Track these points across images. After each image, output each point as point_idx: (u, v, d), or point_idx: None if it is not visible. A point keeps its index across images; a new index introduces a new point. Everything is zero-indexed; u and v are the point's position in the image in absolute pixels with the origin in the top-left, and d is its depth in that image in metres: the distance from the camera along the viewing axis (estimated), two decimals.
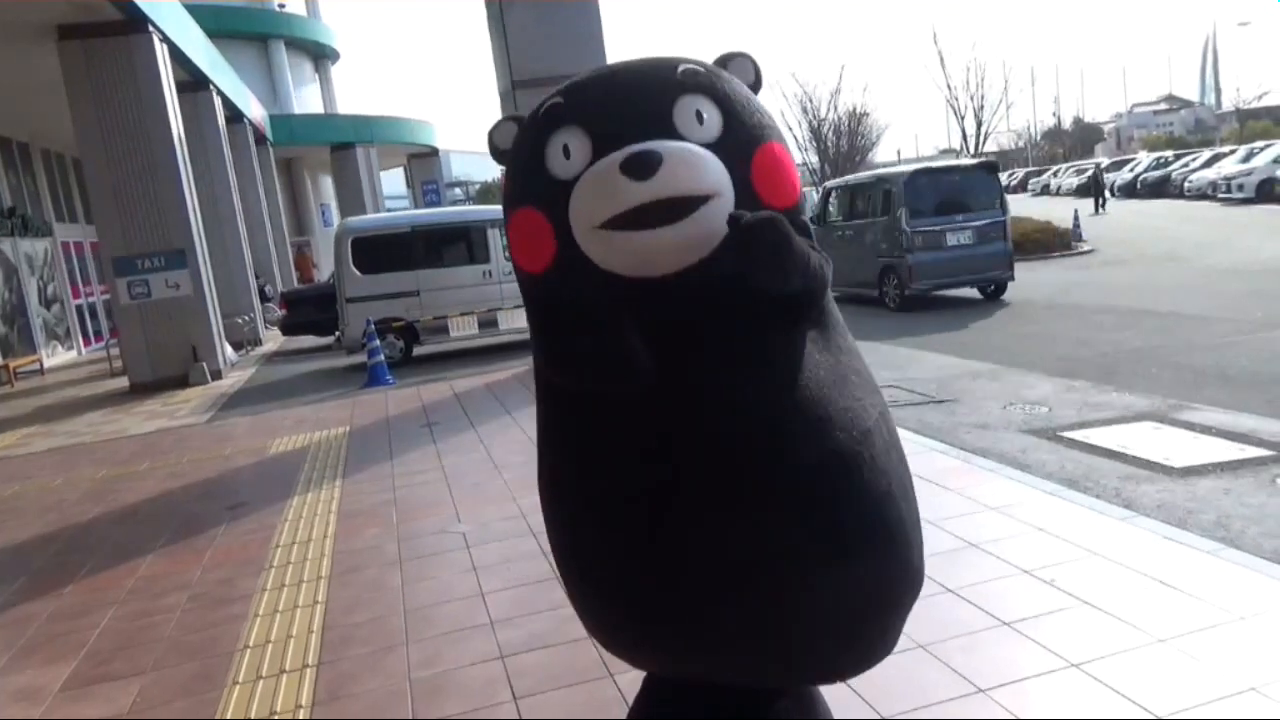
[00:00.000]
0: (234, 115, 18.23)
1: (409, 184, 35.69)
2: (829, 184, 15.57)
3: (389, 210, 27.60)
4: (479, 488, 5.31)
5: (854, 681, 2.61)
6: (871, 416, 1.80)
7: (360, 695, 2.98)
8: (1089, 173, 35.44)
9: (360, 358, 10.93)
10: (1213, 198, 25.65)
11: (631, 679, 2.25)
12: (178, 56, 12.70)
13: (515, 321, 11.69)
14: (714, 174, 1.64)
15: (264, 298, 18.03)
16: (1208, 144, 46.15)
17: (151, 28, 11.21)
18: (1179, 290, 11.02)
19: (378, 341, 10.39)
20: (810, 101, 31.42)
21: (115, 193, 11.25)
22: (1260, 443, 4.85)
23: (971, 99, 25.24)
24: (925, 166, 13.70)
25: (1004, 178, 54.69)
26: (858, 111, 32.05)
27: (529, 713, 2.73)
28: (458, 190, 56.24)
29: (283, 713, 2.91)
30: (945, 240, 11.91)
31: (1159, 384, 6.49)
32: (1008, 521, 3.85)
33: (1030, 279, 14.25)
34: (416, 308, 11.70)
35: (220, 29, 22.26)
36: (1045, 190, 43.00)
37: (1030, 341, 8.83)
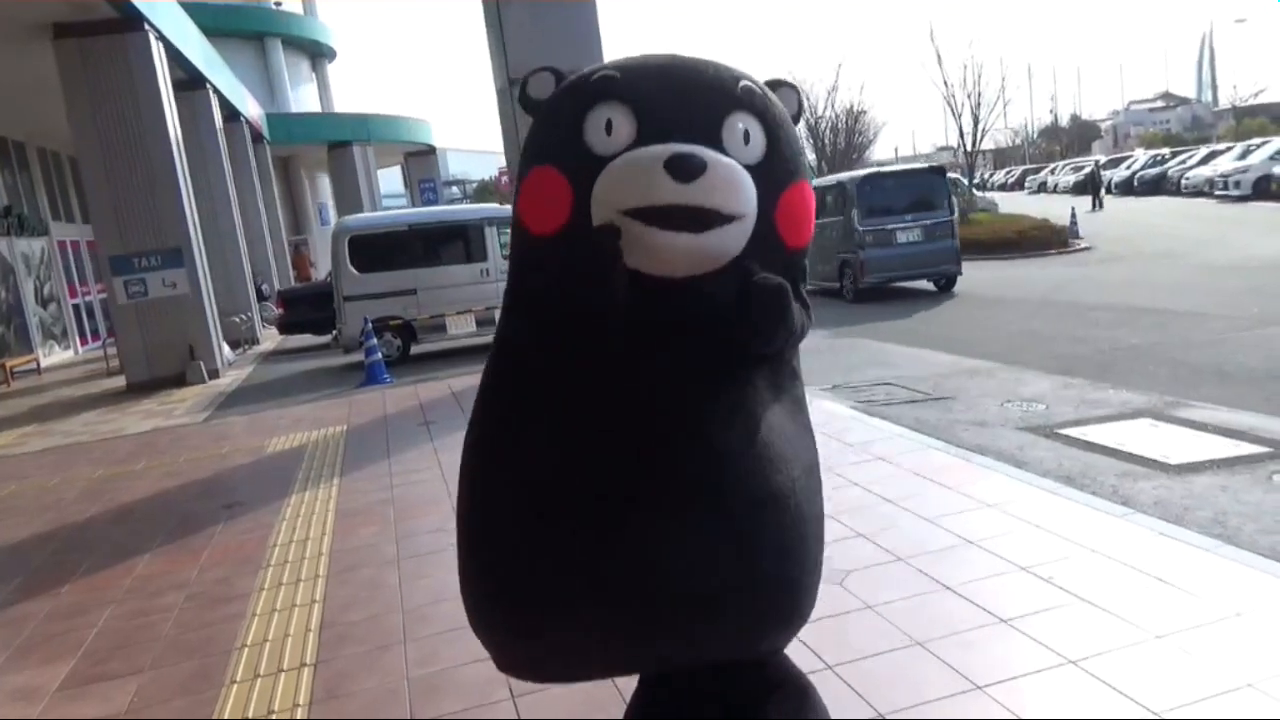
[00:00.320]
0: (231, 114, 18.20)
1: (406, 182, 35.65)
2: None
3: (386, 209, 27.58)
4: None
5: (851, 678, 2.62)
6: (804, 463, 1.87)
7: (358, 694, 2.98)
8: (1086, 170, 35.49)
9: (357, 356, 10.93)
10: (1209, 195, 25.69)
11: (629, 677, 2.25)
12: (174, 55, 12.67)
13: None
14: (747, 197, 1.64)
15: (261, 296, 18.01)
16: (1204, 141, 46.18)
17: (148, 26, 11.18)
18: (1176, 287, 11.03)
19: (375, 340, 10.38)
20: (808, 99, 31.38)
21: (112, 192, 11.22)
22: (1257, 439, 4.85)
23: (969, 97, 25.22)
24: (877, 170, 15.03)
25: (1001, 175, 54.73)
26: (855, 109, 32.08)
27: (526, 711, 2.73)
28: (455, 189, 56.14)
29: (280, 711, 2.91)
30: (895, 238, 13.04)
31: (1156, 381, 6.50)
32: (1005, 518, 3.85)
33: (1027, 276, 14.28)
34: (414, 306, 11.69)
35: (217, 27, 22.22)
36: (1042, 188, 43.02)
37: (1027, 338, 8.84)
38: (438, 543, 4.37)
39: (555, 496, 1.71)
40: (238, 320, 15.35)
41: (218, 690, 3.10)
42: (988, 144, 37.41)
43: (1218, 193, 25.17)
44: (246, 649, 3.42)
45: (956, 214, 13.82)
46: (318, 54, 35.54)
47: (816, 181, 15.59)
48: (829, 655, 2.75)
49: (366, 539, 4.58)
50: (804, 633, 2.02)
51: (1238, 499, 4.05)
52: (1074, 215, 19.60)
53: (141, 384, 11.39)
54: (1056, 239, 18.04)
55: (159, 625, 3.76)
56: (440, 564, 4.09)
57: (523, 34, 8.07)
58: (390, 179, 39.74)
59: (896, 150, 75.59)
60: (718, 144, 1.66)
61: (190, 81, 14.67)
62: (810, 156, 31.58)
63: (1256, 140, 30.19)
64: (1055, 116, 74.40)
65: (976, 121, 25.41)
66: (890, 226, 13.03)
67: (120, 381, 11.88)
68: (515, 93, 7.72)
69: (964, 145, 26.36)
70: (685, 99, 1.69)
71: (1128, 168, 35.06)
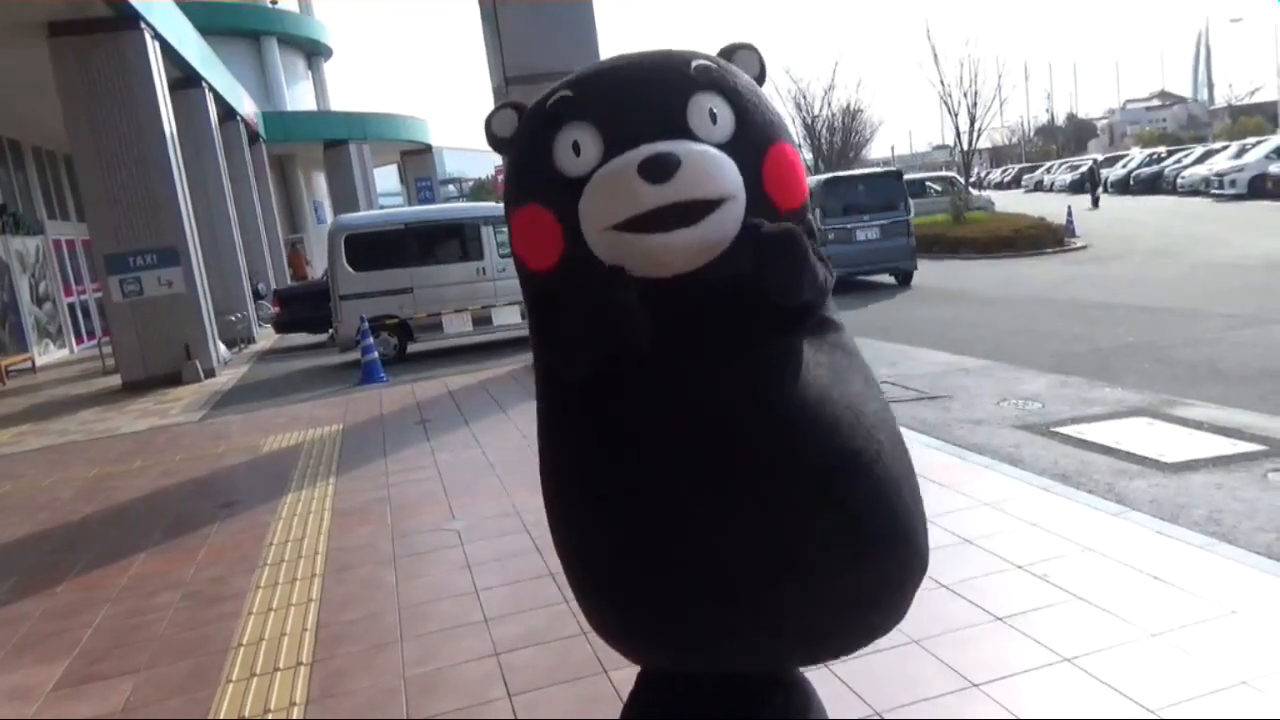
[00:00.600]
0: (227, 112, 18.17)
1: (402, 181, 35.64)
2: None
3: (382, 207, 27.54)
4: (473, 485, 5.31)
5: (847, 676, 2.62)
6: (874, 411, 1.80)
7: (354, 693, 2.98)
8: (1082, 169, 35.55)
9: (354, 355, 10.91)
10: (1205, 194, 25.74)
11: (626, 675, 2.25)
12: (170, 53, 12.65)
13: (509, 318, 11.68)
14: (730, 177, 1.62)
15: (257, 295, 17.98)
16: (1200, 140, 46.31)
17: (143, 24, 11.16)
18: (1172, 286, 11.05)
19: (371, 339, 10.37)
20: (804, 98, 31.41)
21: (107, 190, 11.20)
22: (1252, 438, 4.86)
23: (965, 95, 25.23)
24: (837, 175, 16.53)
25: (997, 174, 54.84)
26: (852, 108, 32.05)
27: (523, 709, 2.72)
28: (451, 187, 56.12)
29: (276, 710, 2.91)
30: (855, 235, 14.10)
31: (1152, 379, 6.51)
32: (1001, 517, 3.86)
33: (1023, 275, 14.30)
34: (410, 305, 11.68)
35: (212, 26, 22.17)
36: (1039, 186, 43.09)
37: (1023, 337, 8.85)
38: (434, 541, 4.37)
39: (640, 506, 1.69)
40: (234, 319, 15.33)
41: (213, 689, 3.10)
42: (984, 142, 37.43)
43: (1214, 191, 25.22)
44: (242, 648, 3.41)
45: (912, 214, 14.93)
46: (314, 52, 35.49)
47: None
48: None
49: (363, 538, 4.58)
50: None
51: (1233, 497, 4.06)
52: (1070, 214, 19.62)
53: (137, 383, 11.37)
54: (1053, 238, 18.06)
55: (155, 624, 3.75)
56: (437, 562, 4.09)
57: (519, 32, 8.07)
58: (386, 177, 39.72)
59: (893, 149, 75.69)
60: (686, 131, 1.64)
61: (186, 80, 14.65)
62: (807, 155, 31.62)
63: (1252, 139, 30.29)
64: (1051, 115, 74.55)
65: (973, 120, 25.48)
66: (850, 225, 14.07)
67: (116, 380, 11.86)
68: (511, 92, 7.69)
69: (960, 144, 26.37)
70: (643, 99, 1.67)
71: (1124, 166, 35.13)
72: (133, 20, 10.99)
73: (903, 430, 5.55)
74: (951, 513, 3.95)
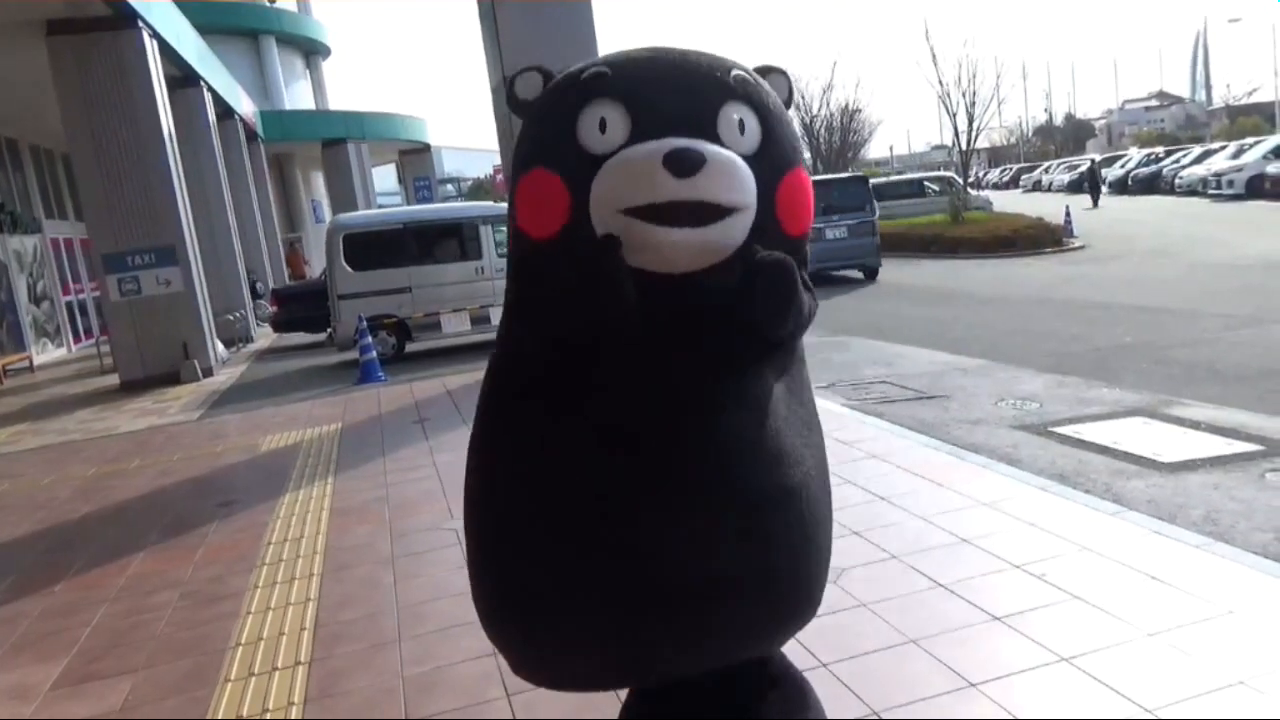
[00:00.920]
0: (225, 111, 18.15)
1: (401, 180, 35.61)
2: None
3: (381, 207, 27.53)
4: None
5: (845, 676, 2.63)
6: (813, 450, 1.88)
7: (352, 692, 2.98)
8: (1081, 168, 35.58)
9: (352, 355, 10.90)
10: (1203, 194, 25.77)
11: None
12: (168, 52, 12.63)
13: None
14: (747, 188, 1.62)
15: (255, 294, 17.96)
16: (1198, 140, 46.35)
17: (141, 23, 11.14)
18: (1169, 286, 11.07)
19: (370, 338, 10.36)
20: (803, 98, 31.36)
21: (105, 189, 11.18)
22: (1249, 437, 4.87)
23: (963, 95, 25.24)
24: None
25: (996, 174, 54.96)
26: (850, 108, 32.05)
27: (521, 709, 2.73)
28: (450, 186, 56.12)
29: (275, 710, 2.91)
30: (824, 234, 14.83)
31: (1149, 379, 6.53)
32: (999, 516, 3.86)
33: (1021, 275, 14.31)
34: (409, 304, 11.68)
35: (210, 24, 22.13)
36: (1037, 186, 43.12)
37: (1021, 337, 8.86)
38: (433, 541, 4.37)
39: (563, 497, 1.71)
40: (232, 318, 15.32)
41: (211, 689, 3.10)
42: (982, 142, 37.43)
43: (1211, 192, 25.25)
44: (241, 647, 3.41)
45: (877, 215, 16.23)
46: (312, 51, 35.45)
47: None
48: (824, 653, 2.76)
49: (361, 537, 4.58)
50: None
51: (1230, 497, 4.07)
52: (1068, 214, 19.64)
53: (135, 382, 11.36)
54: (1051, 238, 18.08)
55: (153, 624, 3.75)
56: (435, 562, 4.09)
57: (517, 32, 8.06)
58: (385, 177, 39.71)
59: (891, 149, 75.80)
60: (713, 136, 1.64)
61: (184, 79, 14.64)
62: (805, 155, 31.62)
63: (1250, 139, 30.32)
64: (1050, 115, 74.58)
65: (971, 120, 25.46)
66: (820, 225, 14.65)
67: (114, 380, 11.85)
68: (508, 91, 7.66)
69: (959, 144, 26.38)
70: (679, 92, 1.67)
71: (1122, 167, 35.16)
72: (131, 19, 10.97)
73: (900, 430, 5.55)
74: (949, 512, 3.96)
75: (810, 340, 8.42)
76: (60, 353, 17.06)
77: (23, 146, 16.73)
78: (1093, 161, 34.46)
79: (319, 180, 32.25)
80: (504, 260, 11.47)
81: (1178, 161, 31.23)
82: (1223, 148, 30.32)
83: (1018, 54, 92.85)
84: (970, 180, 27.39)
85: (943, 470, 4.58)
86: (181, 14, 13.81)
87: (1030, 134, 70.61)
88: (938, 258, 18.43)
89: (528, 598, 1.77)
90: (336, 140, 27.78)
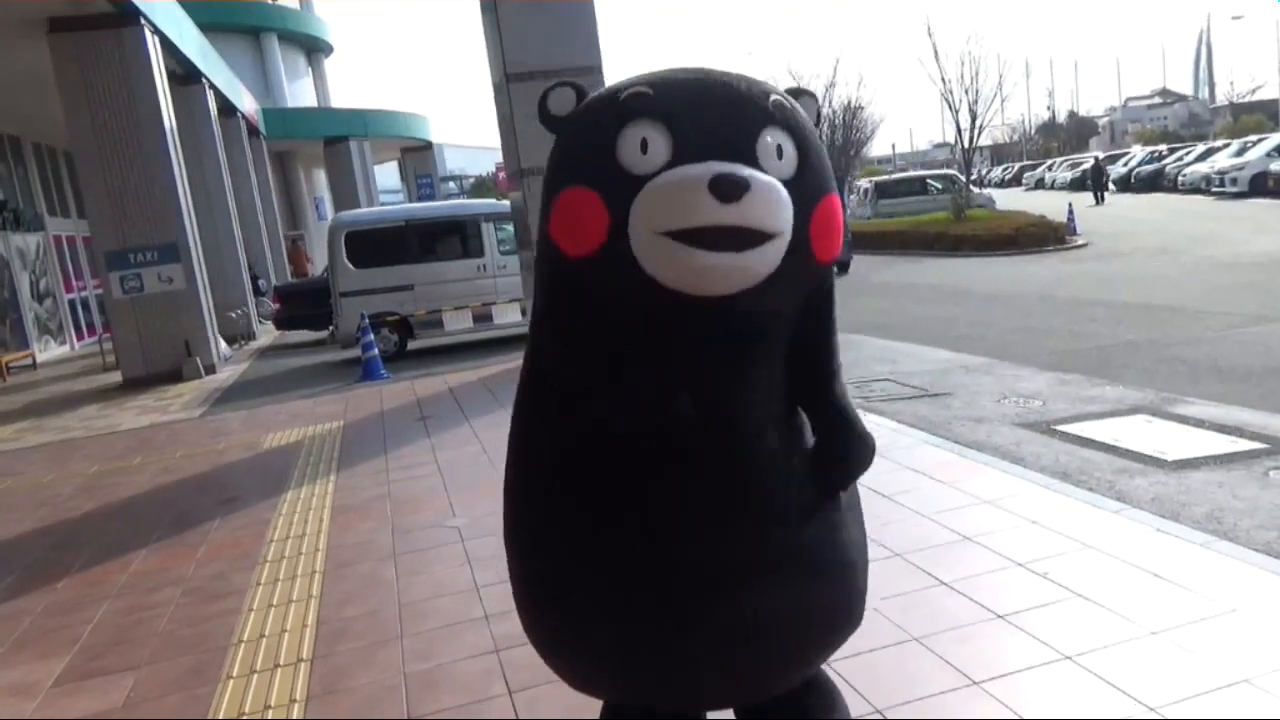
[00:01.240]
0: (227, 108, 18.15)
1: (403, 178, 35.60)
2: None
3: (383, 204, 27.52)
4: (473, 482, 5.30)
5: (848, 674, 2.62)
6: (852, 504, 2.02)
7: (355, 689, 2.97)
8: (1084, 166, 35.52)
9: (354, 352, 10.91)
10: (1206, 192, 25.72)
11: None
12: (170, 49, 12.64)
13: (510, 315, 11.68)
14: (786, 215, 1.62)
15: (258, 292, 17.98)
16: (1201, 138, 46.29)
17: (143, 20, 11.15)
18: (1172, 284, 11.05)
19: (372, 336, 10.37)
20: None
21: (107, 186, 11.20)
22: (1253, 436, 4.86)
23: (966, 93, 25.16)
24: None
25: (998, 171, 54.74)
26: (853, 105, 31.97)
27: (524, 706, 2.72)
28: (452, 184, 56.06)
29: (277, 707, 2.91)
30: None
31: (1152, 377, 6.51)
32: (1001, 514, 3.86)
33: (1024, 272, 14.29)
34: (411, 302, 11.68)
35: (212, 22, 22.12)
36: (1040, 184, 43.08)
37: (1024, 335, 8.85)
38: (435, 538, 4.37)
39: (607, 526, 1.77)
40: (234, 315, 15.33)
41: (214, 686, 3.10)
42: (985, 140, 37.32)
43: (1214, 189, 25.20)
44: (243, 644, 3.41)
45: (848, 214, 16.68)
46: (314, 49, 35.47)
47: None
48: None
49: (363, 534, 4.57)
50: None
51: (1234, 495, 4.06)
52: (1071, 212, 19.62)
53: (137, 379, 11.37)
54: (1054, 235, 18.06)
55: (155, 621, 3.75)
56: (438, 559, 4.09)
57: (518, 28, 8.05)
58: (387, 174, 39.67)
59: (894, 146, 75.74)
60: (752, 160, 1.63)
61: (186, 76, 14.64)
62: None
63: (1253, 137, 30.27)
64: (1053, 113, 74.49)
65: (974, 118, 25.40)
66: None
67: (116, 377, 11.86)
68: (511, 89, 7.64)
69: (961, 141, 26.33)
70: (719, 116, 1.66)
71: (1124, 164, 35.10)
72: (133, 16, 10.98)
73: (902, 427, 5.54)
74: (952, 510, 3.95)
75: None
76: (63, 350, 17.08)
77: (25, 144, 16.75)
78: (1097, 159, 34.40)
79: (321, 177, 32.27)
80: (506, 258, 11.42)
81: (1181, 159, 31.18)
82: (1226, 145, 30.26)
83: (1021, 51, 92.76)
84: (973, 178, 27.33)
85: (945, 468, 4.58)
86: (183, 11, 13.81)
87: (1033, 132, 70.54)
88: (940, 256, 18.41)
89: (577, 613, 1.85)
90: (339, 137, 27.80)
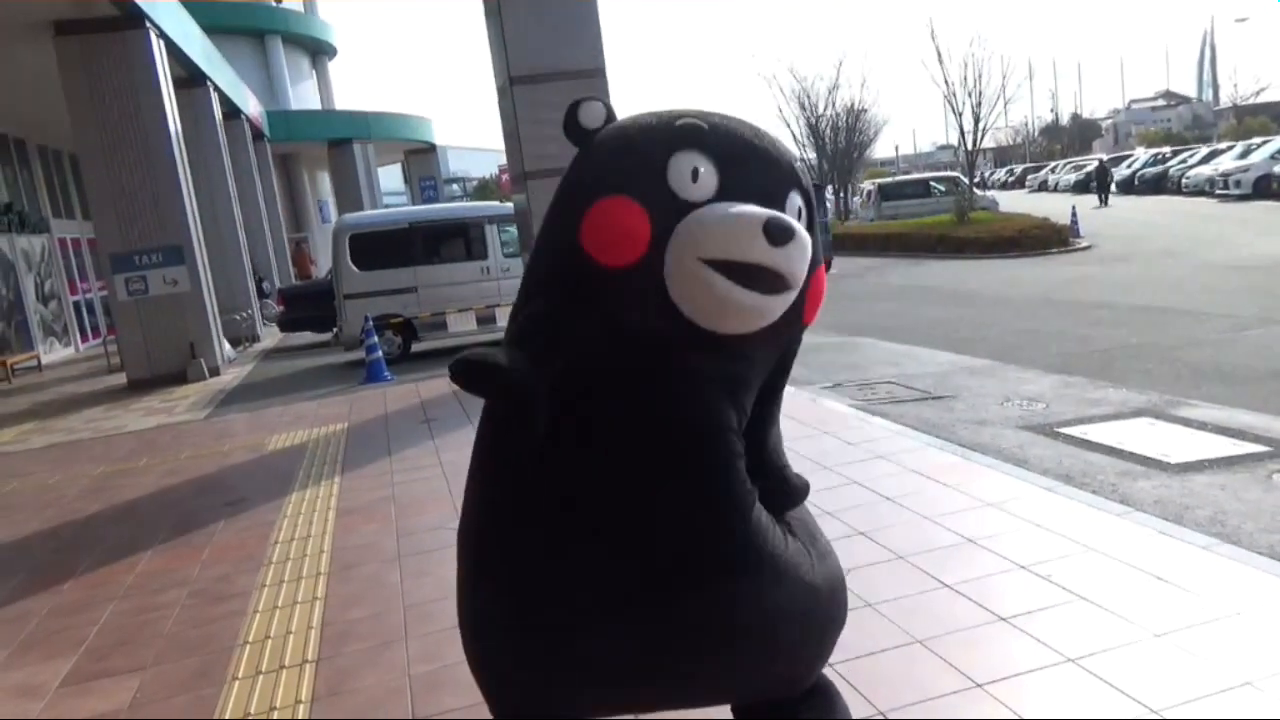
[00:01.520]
0: (231, 111, 18.20)
1: (406, 180, 35.64)
2: None
3: (386, 206, 27.56)
4: None
5: (851, 676, 2.63)
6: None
7: (360, 690, 2.99)
8: (1087, 169, 35.46)
9: (358, 354, 10.93)
10: (1210, 194, 25.67)
11: None
12: (175, 52, 12.67)
13: None
14: (805, 269, 1.71)
15: (262, 294, 18.01)
16: (1205, 140, 46.22)
17: (148, 23, 11.18)
18: (1176, 286, 11.04)
19: (376, 338, 10.38)
20: (808, 97, 31.25)
21: (112, 189, 11.22)
22: (1256, 438, 4.86)
23: (969, 95, 25.11)
24: None
25: (1002, 173, 54.96)
26: (855, 108, 31.92)
27: None
28: (455, 186, 56.15)
29: (282, 708, 2.92)
30: None
31: (1156, 380, 6.51)
32: (1005, 517, 3.86)
33: (1027, 275, 14.29)
34: (414, 304, 11.69)
35: (217, 24, 22.19)
36: (1043, 186, 43.02)
37: (1027, 337, 8.85)
38: (439, 540, 4.37)
39: (575, 540, 1.76)
40: (238, 318, 15.36)
41: (219, 687, 3.11)
42: (988, 142, 37.24)
43: (1219, 192, 25.15)
44: (248, 646, 3.43)
45: (829, 217, 19.28)
46: (318, 51, 35.53)
47: None
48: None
49: (368, 536, 4.59)
50: None
51: (1237, 498, 4.06)
52: (1075, 214, 19.60)
53: (142, 381, 11.40)
54: (1057, 238, 18.05)
55: (161, 622, 3.77)
56: (442, 561, 4.09)
57: (523, 31, 8.06)
58: (390, 176, 39.76)
59: (897, 148, 75.67)
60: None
61: (191, 79, 14.67)
62: (811, 155, 31.53)
63: (1257, 139, 30.19)
64: (1056, 115, 74.41)
65: (977, 120, 25.33)
66: None
67: (121, 379, 11.89)
68: (515, 92, 7.61)
69: (964, 143, 26.30)
70: (763, 167, 1.76)
71: (1128, 167, 35.04)
72: (138, 19, 11.01)
73: (905, 430, 5.53)
74: (955, 513, 3.95)
75: (817, 340, 8.48)
76: (68, 352, 17.12)
77: (30, 146, 16.79)
78: (1101, 161, 34.36)
79: (325, 180, 32.32)
80: (510, 260, 11.38)
81: (1185, 161, 31.11)
82: (1230, 148, 30.21)
83: (1024, 53, 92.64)
84: (976, 180, 27.29)
85: (949, 471, 4.58)
86: (188, 14, 13.85)
87: (1036, 134, 70.44)
88: (943, 258, 18.41)
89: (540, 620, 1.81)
90: (342, 140, 27.85)
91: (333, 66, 37.50)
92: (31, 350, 15.26)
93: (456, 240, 12.17)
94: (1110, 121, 79.32)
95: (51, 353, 16.28)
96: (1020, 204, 27.89)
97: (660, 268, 1.63)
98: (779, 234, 1.60)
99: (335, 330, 12.41)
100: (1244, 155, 26.54)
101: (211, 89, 15.86)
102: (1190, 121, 69.01)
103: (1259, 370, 6.52)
